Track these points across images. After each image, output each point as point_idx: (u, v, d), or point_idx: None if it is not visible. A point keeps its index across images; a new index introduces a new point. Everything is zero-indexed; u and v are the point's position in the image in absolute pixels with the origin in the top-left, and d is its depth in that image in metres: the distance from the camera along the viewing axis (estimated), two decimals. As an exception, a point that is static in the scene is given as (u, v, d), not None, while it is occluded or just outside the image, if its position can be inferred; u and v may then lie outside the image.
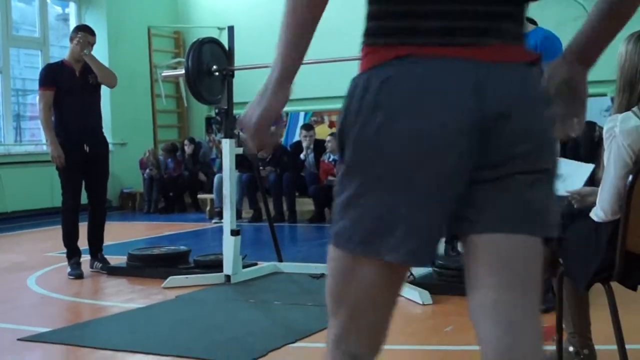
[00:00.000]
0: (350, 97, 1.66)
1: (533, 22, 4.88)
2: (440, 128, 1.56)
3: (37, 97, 6.88)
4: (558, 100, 1.79)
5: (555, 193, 1.74)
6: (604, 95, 10.05)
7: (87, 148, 6.65)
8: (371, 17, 1.67)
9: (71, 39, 6.77)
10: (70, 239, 6.67)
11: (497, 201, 1.65)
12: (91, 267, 6.79)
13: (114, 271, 6.67)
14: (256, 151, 2.17)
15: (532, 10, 5.38)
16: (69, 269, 6.60)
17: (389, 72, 1.59)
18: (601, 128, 3.65)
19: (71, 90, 6.63)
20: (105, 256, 6.86)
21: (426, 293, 5.14)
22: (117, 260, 6.93)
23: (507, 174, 1.63)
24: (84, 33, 6.73)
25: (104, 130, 6.96)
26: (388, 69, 1.60)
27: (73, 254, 6.65)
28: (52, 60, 13.53)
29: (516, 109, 1.61)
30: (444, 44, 1.58)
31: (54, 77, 6.67)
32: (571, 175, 3.73)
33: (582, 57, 1.82)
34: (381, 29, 1.64)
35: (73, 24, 14.07)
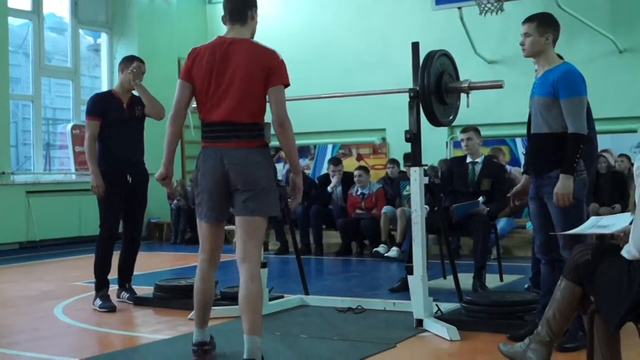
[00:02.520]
0: (196, 160, 4.46)
1: (560, 57, 4.85)
2: (212, 169, 4.33)
3: (84, 126, 6.71)
4: None
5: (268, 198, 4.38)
6: (635, 131, 9.85)
7: (129, 178, 6.66)
8: (201, 132, 4.40)
9: (121, 69, 6.73)
10: (102, 270, 6.61)
11: (237, 201, 4.34)
12: (118, 296, 6.79)
13: (140, 301, 6.70)
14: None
15: (561, 46, 5.37)
16: (99, 302, 6.49)
17: (202, 152, 4.40)
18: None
19: (118, 121, 6.60)
20: (132, 286, 6.88)
21: (454, 329, 5.08)
22: (143, 290, 6.96)
23: (238, 192, 4.33)
24: (139, 63, 6.69)
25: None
26: (202, 150, 4.41)
27: (102, 285, 6.59)
28: (82, 90, 13.70)
29: (239, 165, 4.28)
30: (215, 142, 4.34)
31: (102, 107, 6.62)
32: (615, 224, 3.74)
33: None
34: (202, 137, 4.39)
35: (104, 54, 14.26)
